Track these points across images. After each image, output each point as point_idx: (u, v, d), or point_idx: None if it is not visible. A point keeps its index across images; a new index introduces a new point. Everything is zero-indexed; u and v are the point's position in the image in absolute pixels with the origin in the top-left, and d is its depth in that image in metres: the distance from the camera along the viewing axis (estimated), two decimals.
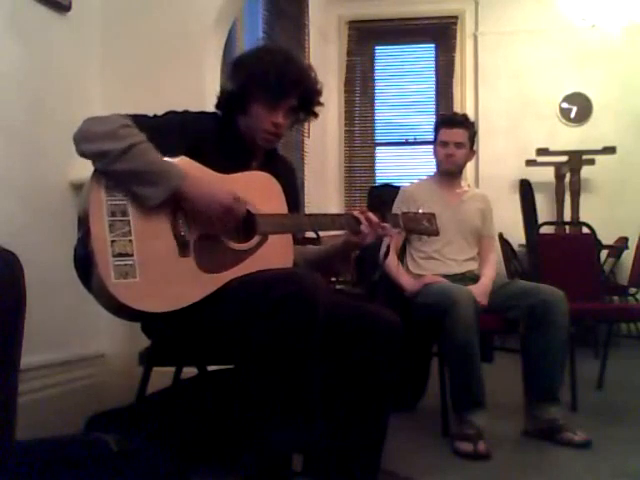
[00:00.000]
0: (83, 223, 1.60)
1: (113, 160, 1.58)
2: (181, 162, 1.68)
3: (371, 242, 1.84)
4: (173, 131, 1.72)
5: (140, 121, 1.68)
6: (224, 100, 1.88)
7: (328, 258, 1.96)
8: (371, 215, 1.82)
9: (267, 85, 1.78)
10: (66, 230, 1.67)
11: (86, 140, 1.61)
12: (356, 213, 1.82)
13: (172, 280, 1.61)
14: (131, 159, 1.58)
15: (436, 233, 1.97)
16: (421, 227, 1.95)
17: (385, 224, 1.84)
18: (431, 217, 1.97)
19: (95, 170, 1.62)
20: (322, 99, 1.95)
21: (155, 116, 1.77)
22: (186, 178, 1.63)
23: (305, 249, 1.99)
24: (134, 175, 1.59)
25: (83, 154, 1.63)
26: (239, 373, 1.65)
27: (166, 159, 1.64)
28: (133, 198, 1.60)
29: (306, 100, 1.88)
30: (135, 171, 1.59)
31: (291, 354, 1.52)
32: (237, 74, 1.84)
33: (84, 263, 1.60)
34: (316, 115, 1.96)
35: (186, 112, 1.83)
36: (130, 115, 1.70)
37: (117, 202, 1.59)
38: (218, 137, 1.81)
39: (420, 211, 1.97)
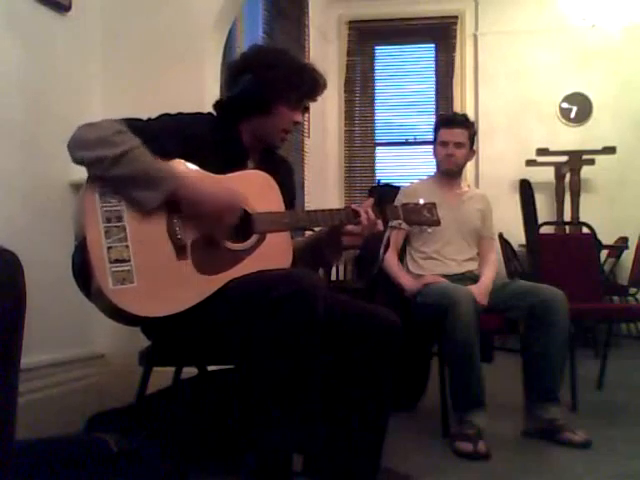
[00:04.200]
0: (79, 231, 1.60)
1: (109, 166, 1.57)
2: (176, 164, 1.68)
3: (369, 235, 1.82)
4: (168, 134, 1.71)
5: (134, 125, 1.67)
6: (241, 100, 1.83)
7: (317, 244, 1.93)
8: (370, 212, 1.81)
9: (300, 85, 1.81)
10: (66, 230, 1.67)
11: (81, 147, 1.61)
12: (354, 206, 1.83)
13: (170, 284, 1.61)
14: (127, 164, 1.58)
15: (438, 223, 1.92)
16: (422, 218, 1.91)
17: (378, 221, 1.82)
18: (432, 207, 1.92)
19: (89, 177, 1.62)
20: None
21: (149, 120, 1.76)
22: (182, 180, 1.63)
23: (294, 241, 1.98)
24: (131, 180, 1.59)
25: (78, 161, 1.63)
26: (239, 373, 1.64)
27: (162, 162, 1.63)
28: (130, 202, 1.60)
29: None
30: (131, 176, 1.58)
31: (291, 354, 1.52)
32: (264, 73, 1.81)
33: (82, 271, 1.60)
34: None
35: (180, 114, 1.81)
36: (124, 119, 1.69)
37: (112, 208, 1.59)
38: (214, 138, 1.80)
39: (421, 202, 1.93)
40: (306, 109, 1.91)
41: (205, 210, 1.64)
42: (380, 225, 1.82)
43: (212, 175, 1.73)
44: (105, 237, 1.57)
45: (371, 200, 1.86)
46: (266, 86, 1.80)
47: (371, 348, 1.73)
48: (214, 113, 1.91)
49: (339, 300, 1.81)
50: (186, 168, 1.69)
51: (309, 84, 1.84)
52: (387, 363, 1.76)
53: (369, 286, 3.03)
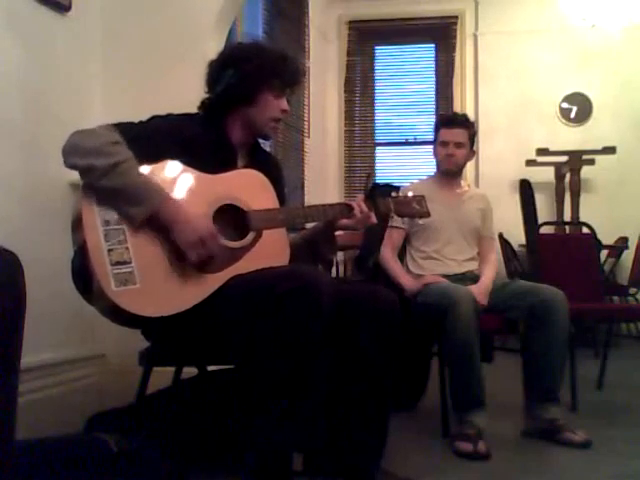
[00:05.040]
0: (78, 235, 1.60)
1: (99, 176, 1.58)
2: (169, 167, 1.69)
3: (364, 228, 1.89)
4: (161, 136, 1.72)
5: (127, 129, 1.68)
6: (226, 96, 1.85)
7: (313, 240, 1.96)
8: (363, 205, 1.86)
9: (283, 71, 1.84)
10: (66, 230, 1.67)
11: (74, 154, 1.62)
12: (348, 201, 1.88)
13: (172, 283, 1.62)
14: (116, 177, 1.59)
15: (427, 214, 2.00)
16: (412, 210, 1.98)
17: (371, 213, 1.88)
18: (421, 199, 2.00)
19: (84, 182, 1.62)
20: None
21: (141, 122, 1.77)
22: (167, 201, 1.63)
23: (290, 237, 1.99)
24: (118, 193, 1.59)
25: (71, 167, 1.64)
26: (239, 373, 1.64)
27: (149, 178, 1.64)
28: (118, 215, 1.61)
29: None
30: (118, 189, 1.59)
31: (295, 351, 1.52)
32: (245, 65, 1.82)
33: (82, 274, 1.60)
34: None
35: (170, 115, 1.82)
36: (117, 124, 1.70)
37: (109, 211, 1.60)
38: (204, 138, 1.80)
39: (410, 194, 2.00)
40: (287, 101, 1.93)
41: (180, 237, 1.62)
42: (373, 218, 1.88)
43: (207, 175, 1.73)
44: (105, 240, 1.57)
45: (362, 195, 1.92)
46: (249, 77, 1.82)
47: (372, 326, 1.74)
48: (200, 113, 1.91)
49: (340, 287, 1.81)
50: (179, 170, 1.70)
51: (291, 71, 1.88)
52: (388, 344, 1.77)
53: (369, 278, 3.04)
